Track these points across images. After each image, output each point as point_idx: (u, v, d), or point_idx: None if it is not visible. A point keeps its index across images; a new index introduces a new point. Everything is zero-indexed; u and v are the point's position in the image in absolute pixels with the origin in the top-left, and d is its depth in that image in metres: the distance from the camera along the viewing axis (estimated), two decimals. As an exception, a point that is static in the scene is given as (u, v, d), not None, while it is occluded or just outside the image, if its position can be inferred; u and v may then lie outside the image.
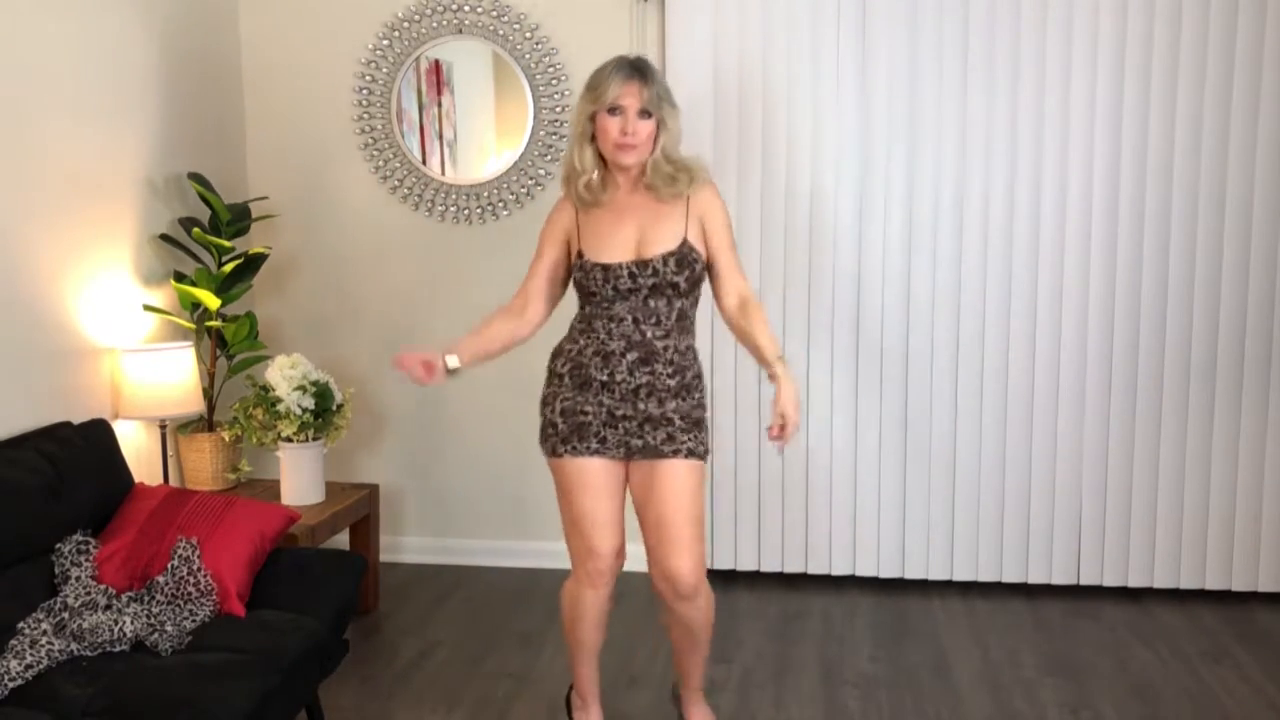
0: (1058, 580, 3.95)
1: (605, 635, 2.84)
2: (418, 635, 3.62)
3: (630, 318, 2.63)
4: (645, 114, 2.59)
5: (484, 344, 2.75)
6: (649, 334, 2.63)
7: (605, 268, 2.62)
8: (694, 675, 2.87)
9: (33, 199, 3.07)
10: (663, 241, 2.63)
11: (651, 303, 2.63)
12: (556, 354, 2.75)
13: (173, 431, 3.65)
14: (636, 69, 2.60)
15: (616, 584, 2.78)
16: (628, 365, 2.62)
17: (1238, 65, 3.67)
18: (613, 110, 2.58)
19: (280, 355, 3.59)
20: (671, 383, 2.64)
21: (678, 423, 2.64)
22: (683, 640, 2.80)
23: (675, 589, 2.65)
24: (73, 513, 2.80)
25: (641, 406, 2.63)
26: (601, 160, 2.67)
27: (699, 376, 2.72)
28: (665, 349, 2.64)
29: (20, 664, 2.34)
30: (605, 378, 2.63)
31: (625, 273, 2.61)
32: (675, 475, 2.62)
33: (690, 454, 2.64)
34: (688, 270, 2.63)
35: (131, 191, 3.52)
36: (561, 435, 2.66)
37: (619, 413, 2.63)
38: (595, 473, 2.65)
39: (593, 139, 2.64)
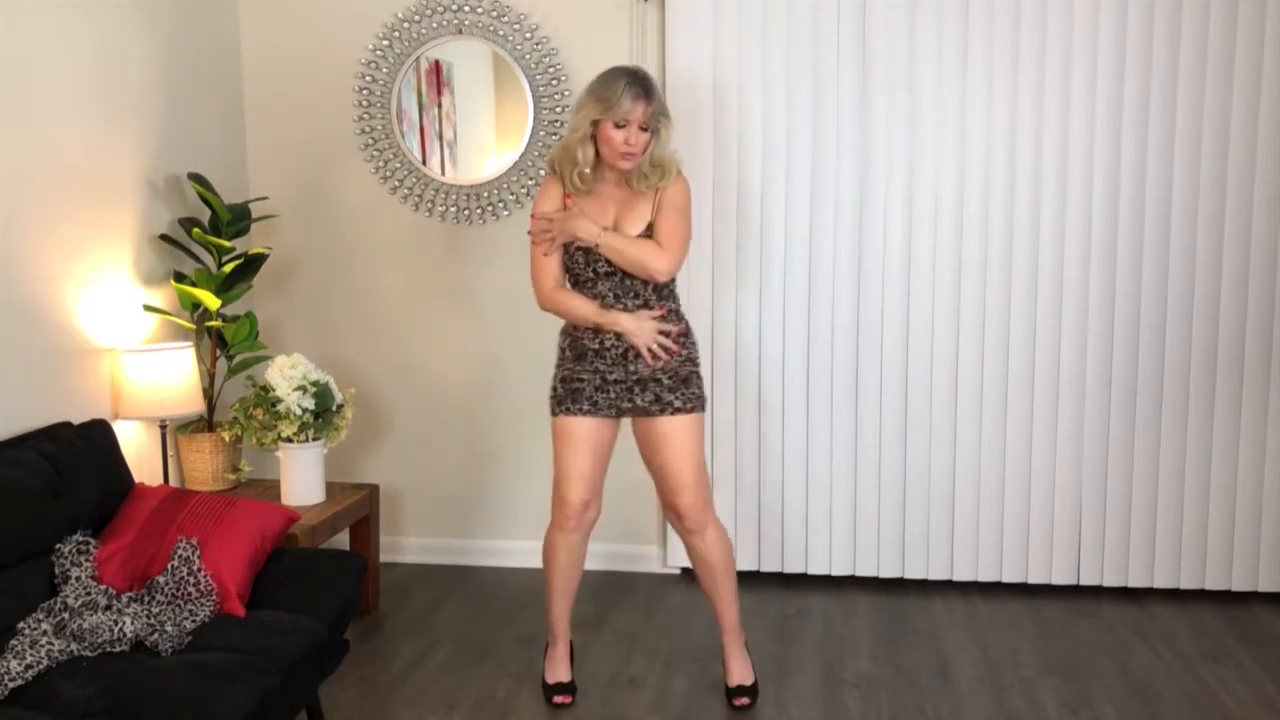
0: (1058, 580, 3.95)
1: (578, 580, 3.21)
2: (418, 635, 3.62)
3: (611, 294, 3.00)
4: (643, 127, 2.92)
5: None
6: (629, 306, 3.00)
7: (586, 252, 2.99)
8: (724, 616, 3.17)
9: (33, 199, 3.07)
10: (634, 224, 3.00)
11: (628, 281, 2.99)
12: (562, 332, 3.14)
13: (173, 432, 3.65)
14: (643, 87, 2.92)
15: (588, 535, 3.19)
16: (614, 333, 2.99)
17: (1238, 64, 3.67)
18: (618, 124, 2.90)
19: (280, 355, 3.59)
20: None
21: (665, 382, 3.02)
22: (704, 578, 3.16)
23: (683, 523, 3.09)
24: (73, 513, 2.80)
25: (631, 369, 3.01)
26: (595, 153, 2.99)
27: (685, 334, 3.07)
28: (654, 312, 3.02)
29: (20, 664, 2.34)
30: (597, 346, 3.02)
31: (604, 256, 2.96)
32: (669, 430, 3.03)
33: (677, 411, 3.02)
34: None
35: (131, 191, 3.52)
36: (559, 398, 3.08)
37: (611, 377, 3.02)
38: (581, 431, 3.05)
39: (592, 139, 2.95)
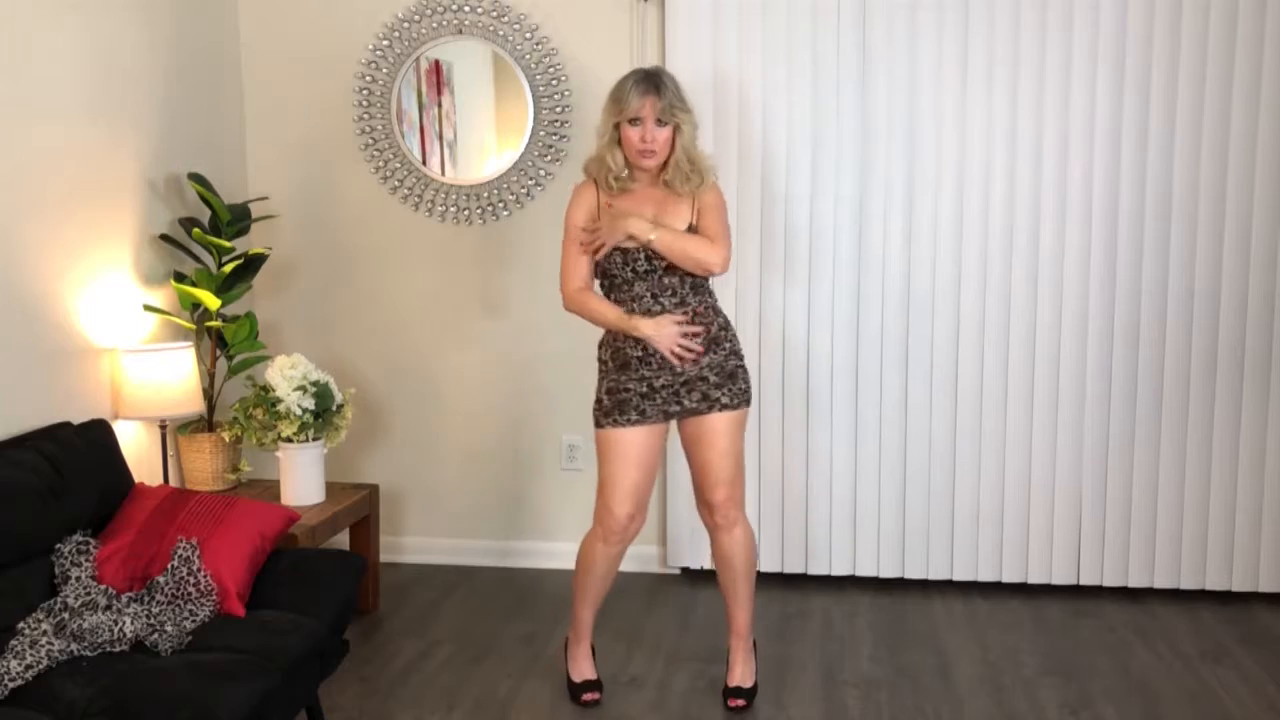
0: (1058, 580, 3.95)
1: (610, 588, 3.16)
2: (418, 635, 3.62)
3: (649, 294, 2.98)
4: (660, 122, 2.92)
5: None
6: (666, 305, 2.98)
7: (624, 252, 2.96)
8: (736, 619, 3.16)
9: (33, 199, 3.07)
10: (673, 224, 2.98)
11: (666, 280, 2.97)
12: (601, 344, 3.10)
13: (173, 432, 3.65)
14: (652, 83, 2.93)
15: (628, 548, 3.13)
16: None
17: (1238, 64, 3.67)
18: (633, 121, 2.92)
19: (280, 355, 3.59)
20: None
21: (711, 379, 2.99)
22: (725, 576, 3.13)
23: (714, 517, 3.07)
24: (73, 513, 2.79)
25: (678, 370, 2.97)
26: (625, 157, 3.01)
27: (725, 328, 3.06)
28: (685, 312, 2.98)
29: (20, 664, 2.34)
30: (640, 353, 2.98)
31: (641, 255, 2.95)
32: (714, 428, 3.01)
33: (724, 408, 3.00)
34: None
35: (131, 191, 3.52)
36: (605, 410, 3.02)
37: (658, 383, 2.98)
38: (630, 443, 3.00)
39: (619, 142, 2.97)
